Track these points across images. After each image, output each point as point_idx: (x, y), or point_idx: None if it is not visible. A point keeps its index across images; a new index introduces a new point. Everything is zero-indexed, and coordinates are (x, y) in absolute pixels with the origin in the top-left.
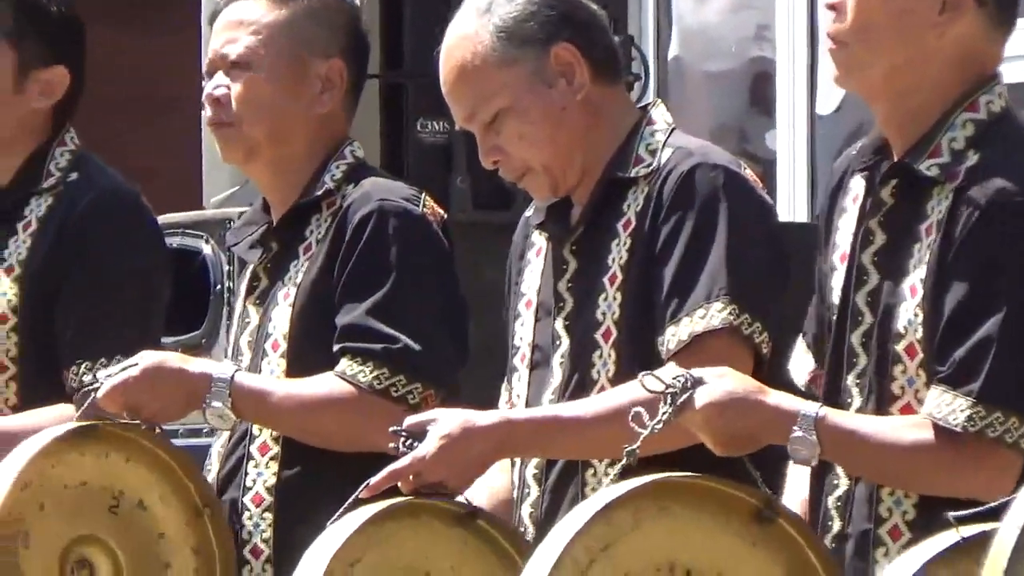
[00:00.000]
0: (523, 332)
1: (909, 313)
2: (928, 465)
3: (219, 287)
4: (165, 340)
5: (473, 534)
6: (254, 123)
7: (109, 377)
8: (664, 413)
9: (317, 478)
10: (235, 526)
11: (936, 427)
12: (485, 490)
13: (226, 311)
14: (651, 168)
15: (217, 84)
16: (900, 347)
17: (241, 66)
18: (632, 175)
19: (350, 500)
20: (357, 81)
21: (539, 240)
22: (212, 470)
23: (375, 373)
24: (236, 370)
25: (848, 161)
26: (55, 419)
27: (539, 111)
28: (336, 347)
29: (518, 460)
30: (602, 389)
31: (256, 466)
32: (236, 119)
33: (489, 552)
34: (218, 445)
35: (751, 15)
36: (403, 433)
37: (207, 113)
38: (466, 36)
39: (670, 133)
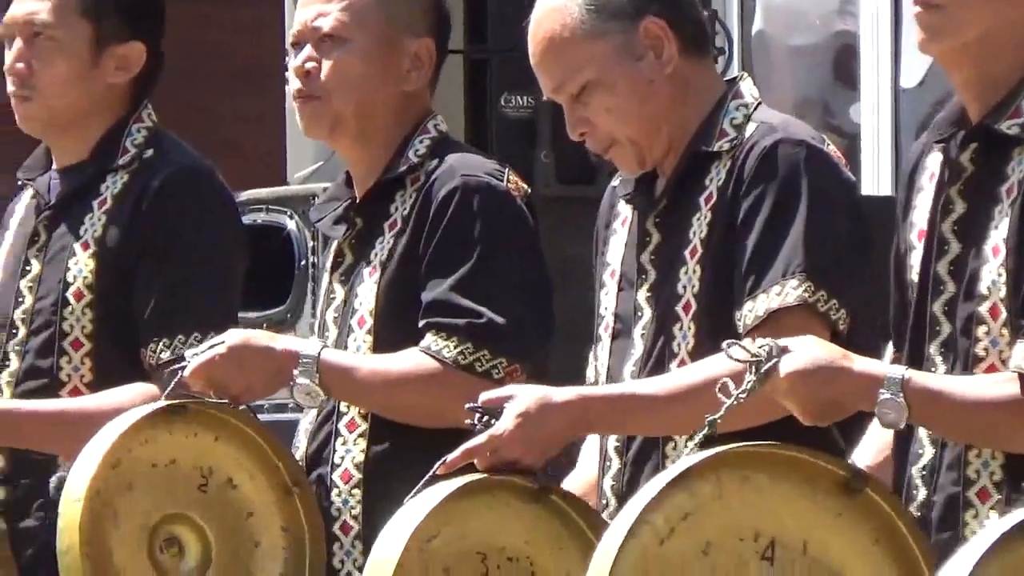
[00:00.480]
0: (607, 301)
1: (992, 274)
2: (1016, 419)
3: (303, 262)
4: (250, 315)
5: (547, 510)
6: (343, 99)
7: (196, 355)
8: (749, 382)
9: (405, 454)
10: (324, 503)
11: (1023, 380)
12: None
13: (310, 286)
14: (735, 142)
15: (307, 57)
16: (984, 308)
17: (333, 40)
18: (716, 149)
19: (427, 477)
20: (441, 58)
21: (625, 210)
22: (300, 447)
23: (459, 348)
24: (323, 347)
25: (924, 141)
26: (135, 398)
27: (626, 84)
28: (421, 322)
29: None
30: (682, 362)
31: (344, 443)
32: (324, 93)
33: (562, 528)
34: (305, 422)
35: None
36: (479, 410)
37: (294, 85)
38: (555, 8)
39: (755, 107)
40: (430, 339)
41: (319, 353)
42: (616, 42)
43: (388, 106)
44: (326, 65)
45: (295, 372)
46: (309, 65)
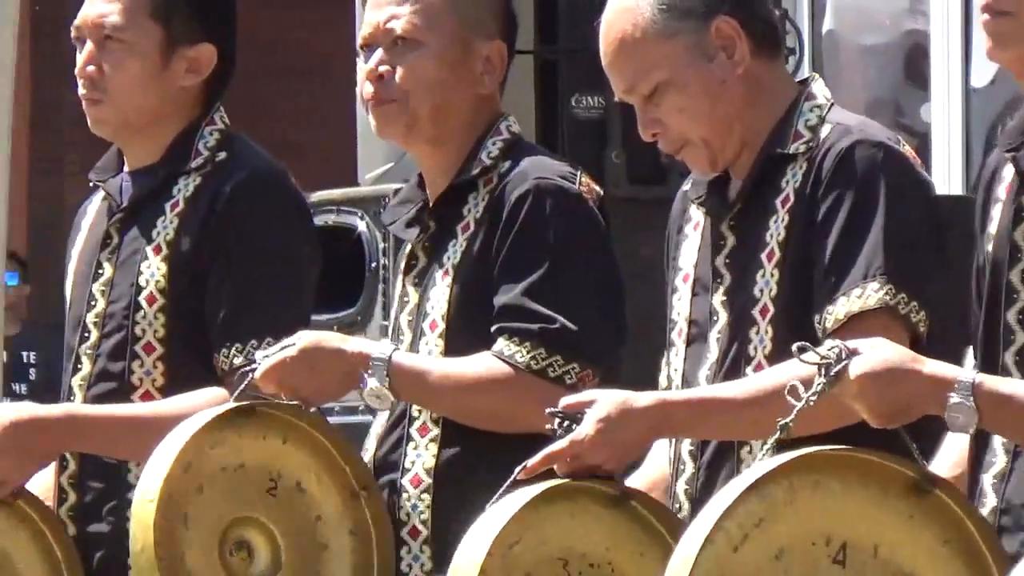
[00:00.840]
0: (680, 307)
1: None
2: None
3: (374, 264)
4: (321, 318)
5: (627, 515)
6: (418, 102)
7: (266, 357)
8: (819, 384)
9: (476, 459)
10: (393, 507)
11: None
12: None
13: (381, 288)
14: (810, 144)
15: (379, 60)
16: None
17: (407, 43)
18: (791, 151)
19: (508, 482)
20: (510, 61)
21: (696, 214)
22: (369, 451)
23: (532, 353)
24: (394, 349)
25: (997, 151)
26: (207, 402)
27: (698, 85)
28: (493, 327)
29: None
30: (759, 366)
31: (415, 447)
32: (399, 96)
33: (643, 533)
34: (376, 426)
35: None
36: (560, 415)
37: (367, 89)
38: (627, 8)
39: (829, 109)
40: (502, 344)
41: (390, 356)
42: (688, 42)
43: (463, 109)
44: (400, 68)
45: (365, 374)
46: (382, 68)
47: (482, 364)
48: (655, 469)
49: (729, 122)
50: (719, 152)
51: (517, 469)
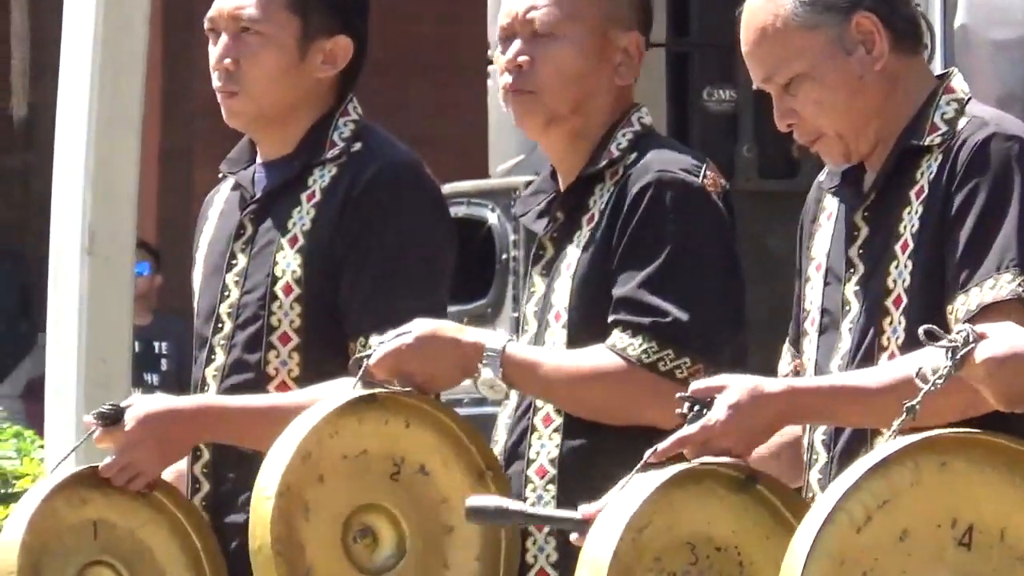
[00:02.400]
0: (812, 296)
1: None
2: None
3: (505, 256)
4: (451, 310)
5: (753, 499)
6: (559, 94)
7: (382, 344)
8: (945, 367)
9: (600, 450)
10: (520, 498)
11: None
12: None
13: (512, 280)
14: (946, 136)
15: (519, 51)
16: None
17: (546, 35)
18: (927, 143)
19: (639, 465)
20: (645, 47)
21: (831, 204)
22: (500, 441)
23: (643, 346)
24: (508, 340)
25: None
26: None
27: (836, 78)
28: (609, 319)
29: (807, 425)
30: (892, 356)
31: (539, 438)
32: (539, 88)
33: (769, 517)
34: (505, 416)
35: None
36: (690, 399)
37: (506, 79)
38: (767, 5)
39: (966, 102)
40: (616, 336)
41: (504, 346)
42: (828, 35)
43: (602, 102)
44: (539, 59)
45: (480, 364)
46: (522, 59)
47: (595, 357)
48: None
49: (865, 117)
50: (853, 145)
51: (648, 452)
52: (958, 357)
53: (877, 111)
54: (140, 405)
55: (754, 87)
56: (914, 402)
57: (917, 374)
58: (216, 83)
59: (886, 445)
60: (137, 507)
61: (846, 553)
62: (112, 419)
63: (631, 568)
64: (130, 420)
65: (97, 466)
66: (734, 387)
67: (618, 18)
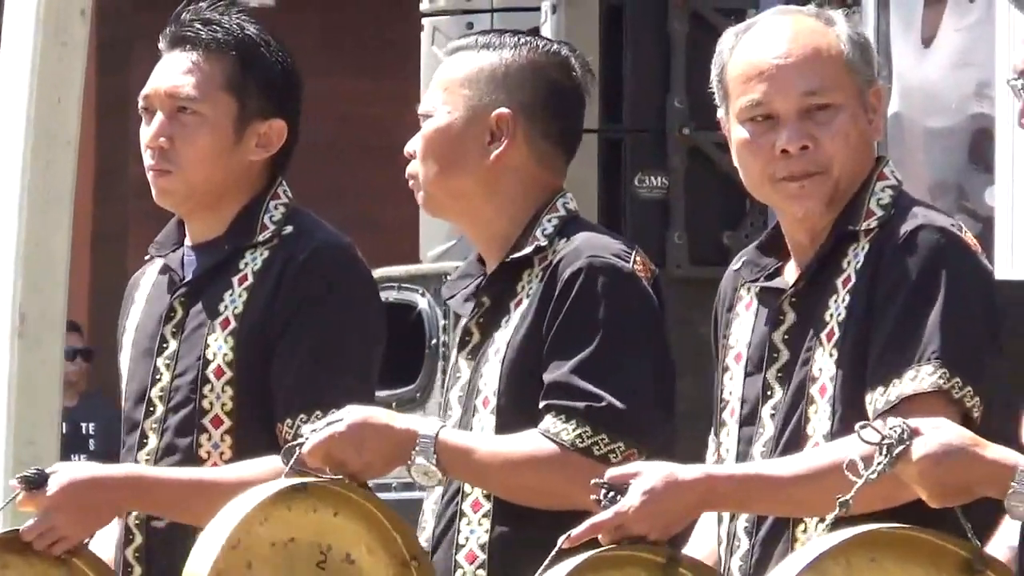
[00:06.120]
0: (732, 386)
1: None
2: None
3: (434, 341)
4: (379, 394)
5: None
6: (438, 174)
7: (314, 432)
8: (879, 464)
9: (530, 535)
10: None
11: None
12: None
13: (441, 365)
14: (879, 222)
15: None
16: None
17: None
18: (863, 228)
19: (553, 552)
20: (550, 131)
21: (747, 295)
22: (427, 527)
23: (578, 431)
24: (441, 427)
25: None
26: (265, 471)
27: (858, 126)
28: (541, 404)
29: (727, 514)
30: (816, 445)
31: (468, 523)
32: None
33: None
34: (431, 501)
35: (972, 72)
36: (605, 485)
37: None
38: (819, 30)
39: (898, 191)
40: (549, 421)
41: (437, 433)
42: (860, 85)
43: (480, 182)
44: (417, 146)
45: (413, 452)
46: (408, 149)
47: (529, 442)
48: (705, 546)
49: (855, 174)
50: (838, 195)
51: (561, 538)
52: (894, 454)
53: (854, 179)
54: (65, 471)
55: (756, 96)
56: (847, 497)
57: (847, 466)
58: (148, 161)
59: (820, 540)
60: (57, 573)
61: None
62: (36, 483)
63: None
64: (53, 485)
65: (19, 529)
66: (649, 474)
67: (483, 101)
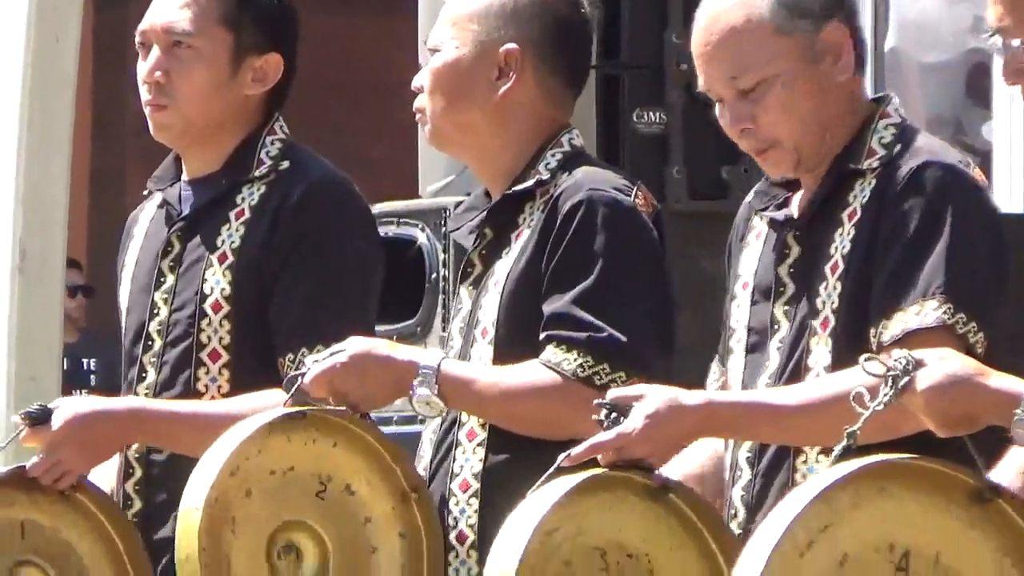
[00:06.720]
0: (739, 314)
1: None
2: None
3: (434, 276)
4: (380, 329)
5: (665, 508)
6: (446, 109)
7: (316, 363)
8: (885, 395)
9: (523, 465)
10: (443, 512)
11: None
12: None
13: (441, 299)
14: (883, 161)
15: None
16: None
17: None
18: (864, 167)
19: (551, 470)
20: (557, 68)
21: (760, 224)
22: (425, 457)
23: (579, 361)
24: (443, 358)
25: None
26: (269, 403)
27: (805, 86)
28: (542, 335)
29: (731, 442)
30: (817, 377)
31: (464, 452)
32: (422, 108)
33: (680, 527)
34: (429, 431)
35: (968, 6)
36: (608, 406)
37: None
38: (738, 5)
39: (902, 128)
40: (550, 352)
41: (439, 364)
42: (801, 41)
43: (487, 118)
44: (425, 80)
45: (414, 382)
46: (416, 83)
47: (530, 372)
48: (693, 464)
49: (824, 128)
50: (805, 157)
51: (561, 456)
52: (899, 386)
53: (834, 124)
54: (68, 406)
55: (700, 87)
56: (855, 428)
57: (854, 398)
58: (145, 96)
59: (828, 472)
60: (62, 509)
61: None
62: (39, 419)
63: (540, 572)
64: (57, 419)
65: (23, 466)
66: (652, 397)
67: (494, 35)
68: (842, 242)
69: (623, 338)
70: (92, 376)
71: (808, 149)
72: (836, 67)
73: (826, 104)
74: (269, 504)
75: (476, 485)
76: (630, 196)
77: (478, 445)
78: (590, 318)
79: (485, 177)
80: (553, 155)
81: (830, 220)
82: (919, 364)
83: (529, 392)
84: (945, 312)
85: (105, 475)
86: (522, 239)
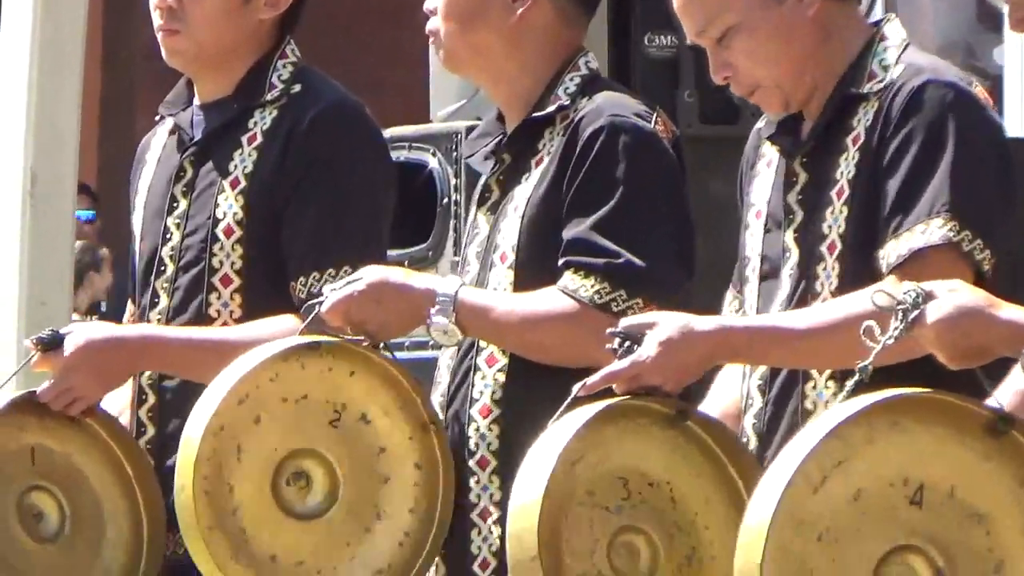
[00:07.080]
0: (752, 242)
1: None
2: None
3: (446, 200)
4: (392, 253)
5: (684, 435)
6: (460, 30)
7: (333, 291)
8: (895, 329)
9: (543, 389)
10: (462, 438)
11: None
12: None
13: (452, 224)
14: (883, 84)
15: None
16: None
17: None
18: (865, 91)
19: (568, 400)
20: None
21: (770, 151)
22: (442, 383)
23: (596, 288)
24: (460, 285)
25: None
26: (282, 330)
27: (768, 28)
28: (560, 261)
29: (747, 371)
30: (824, 301)
31: (483, 377)
32: (436, 28)
33: (699, 454)
34: (446, 357)
35: None
36: (621, 335)
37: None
38: None
39: (903, 49)
40: (568, 278)
41: (456, 292)
42: None
43: (501, 41)
44: (439, 2)
45: (432, 310)
46: (428, 6)
47: (547, 299)
48: (724, 401)
49: (800, 65)
50: (790, 94)
51: (576, 386)
52: (908, 319)
53: (812, 59)
54: (80, 331)
55: (688, 42)
56: (867, 362)
57: (864, 332)
58: (157, 22)
59: (841, 407)
60: (73, 434)
61: (803, 514)
62: (52, 344)
63: (564, 501)
64: (70, 345)
65: (34, 391)
66: (665, 324)
67: None
68: (847, 167)
69: (641, 264)
70: (102, 303)
71: (790, 86)
72: (801, 3)
73: (797, 41)
74: (279, 432)
75: (497, 411)
76: (650, 122)
77: (498, 370)
78: (609, 244)
79: (500, 100)
80: (572, 79)
81: (835, 146)
82: (929, 296)
83: (546, 319)
84: (951, 230)
85: (116, 403)
86: (542, 164)
